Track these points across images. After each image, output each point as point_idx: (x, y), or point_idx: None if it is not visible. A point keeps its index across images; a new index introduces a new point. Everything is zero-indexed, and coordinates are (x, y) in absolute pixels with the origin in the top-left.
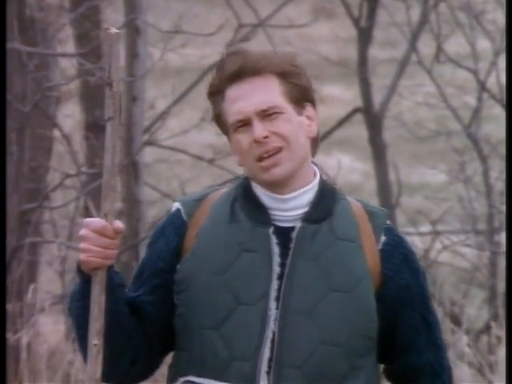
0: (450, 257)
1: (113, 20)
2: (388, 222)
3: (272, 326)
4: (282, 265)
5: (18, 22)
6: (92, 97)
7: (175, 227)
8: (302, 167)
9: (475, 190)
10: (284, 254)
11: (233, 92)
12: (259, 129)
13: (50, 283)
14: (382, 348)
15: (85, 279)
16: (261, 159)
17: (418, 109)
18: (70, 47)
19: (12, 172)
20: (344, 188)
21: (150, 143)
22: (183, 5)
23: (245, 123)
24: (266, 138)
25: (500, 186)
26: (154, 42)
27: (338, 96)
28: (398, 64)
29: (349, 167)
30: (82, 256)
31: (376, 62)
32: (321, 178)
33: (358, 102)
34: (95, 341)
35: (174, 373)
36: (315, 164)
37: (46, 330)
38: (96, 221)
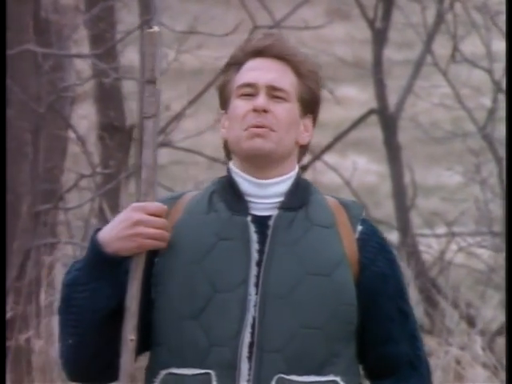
0: (466, 258)
1: (128, 21)
2: (363, 214)
3: (252, 311)
4: (261, 251)
5: (33, 23)
6: (107, 98)
7: None
8: (282, 160)
9: (491, 192)
10: (262, 241)
11: (251, 63)
12: (263, 100)
13: None
14: (358, 340)
15: (107, 259)
16: (251, 127)
17: (433, 110)
18: (85, 48)
19: (27, 173)
20: (359, 189)
21: (165, 144)
22: (198, 6)
23: (250, 93)
24: (266, 111)
25: None
26: (169, 43)
27: (353, 97)
28: (413, 65)
29: (364, 169)
30: (148, 242)
31: (391, 63)
32: (298, 172)
33: (373, 104)
34: (132, 336)
35: (154, 368)
36: (302, 168)
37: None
38: (151, 204)
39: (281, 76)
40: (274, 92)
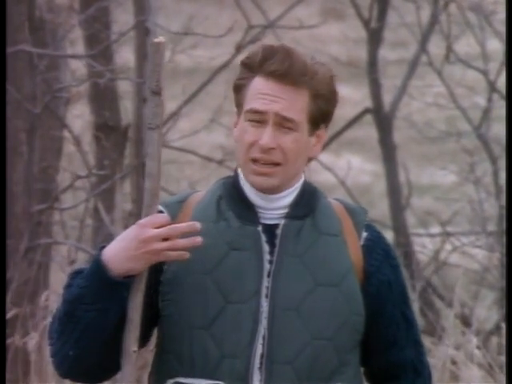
0: (460, 258)
1: (122, 21)
2: (367, 219)
3: (264, 323)
4: (270, 262)
5: (27, 23)
6: (101, 98)
7: None
8: (291, 179)
9: (485, 191)
10: (271, 252)
11: (264, 85)
12: (270, 137)
13: (59, 285)
14: (362, 346)
15: (114, 283)
16: (255, 161)
17: (427, 109)
18: (80, 48)
19: (22, 173)
20: (354, 189)
21: None
22: (193, 6)
23: (259, 120)
24: (271, 149)
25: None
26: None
27: (347, 97)
28: (407, 65)
29: (359, 168)
30: (159, 257)
31: (386, 63)
32: (304, 180)
33: (368, 103)
34: (134, 347)
35: (160, 375)
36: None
37: None
38: (155, 217)
39: (292, 105)
40: (282, 122)
